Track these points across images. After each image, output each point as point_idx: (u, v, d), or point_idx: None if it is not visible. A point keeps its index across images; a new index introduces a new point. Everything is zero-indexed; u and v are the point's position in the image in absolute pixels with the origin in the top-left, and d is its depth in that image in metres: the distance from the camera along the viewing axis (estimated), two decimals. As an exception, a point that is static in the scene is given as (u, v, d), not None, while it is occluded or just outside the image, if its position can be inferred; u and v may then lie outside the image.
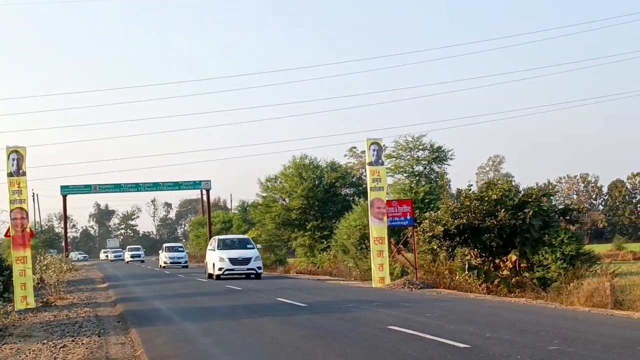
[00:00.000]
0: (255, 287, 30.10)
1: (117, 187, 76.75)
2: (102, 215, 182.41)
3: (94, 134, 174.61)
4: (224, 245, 37.32)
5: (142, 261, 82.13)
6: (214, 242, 38.68)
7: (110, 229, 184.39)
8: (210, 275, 37.11)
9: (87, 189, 75.96)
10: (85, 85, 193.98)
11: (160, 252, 66.23)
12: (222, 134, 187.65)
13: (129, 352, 13.63)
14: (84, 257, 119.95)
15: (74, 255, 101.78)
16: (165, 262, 61.06)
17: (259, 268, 36.78)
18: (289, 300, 22.30)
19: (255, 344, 13.39)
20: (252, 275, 36.29)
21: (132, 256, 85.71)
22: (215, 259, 36.17)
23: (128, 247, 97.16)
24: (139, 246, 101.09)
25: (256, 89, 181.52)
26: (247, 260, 36.00)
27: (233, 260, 35.68)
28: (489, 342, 12.28)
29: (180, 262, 61.54)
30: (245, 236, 43.84)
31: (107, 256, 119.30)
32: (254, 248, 37.85)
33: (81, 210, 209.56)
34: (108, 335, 16.40)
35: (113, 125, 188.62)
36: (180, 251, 64.84)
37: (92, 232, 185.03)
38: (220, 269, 35.58)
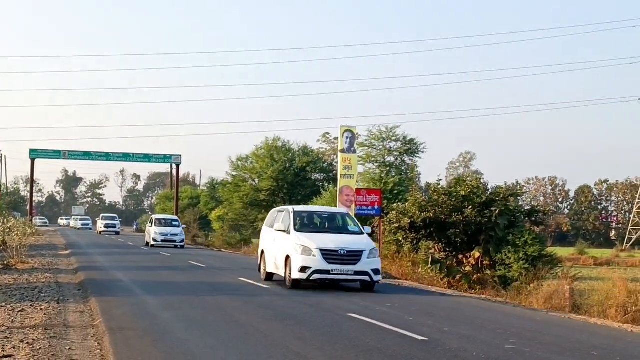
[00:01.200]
0: (219, 265, 30.11)
1: (87, 155, 76.31)
2: (70, 181, 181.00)
3: (66, 100, 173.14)
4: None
5: (117, 233, 72.74)
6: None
7: (76, 196, 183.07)
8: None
9: (57, 154, 75.41)
10: (62, 49, 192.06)
11: (148, 225, 52.57)
12: (196, 110, 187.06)
13: (87, 321, 13.59)
14: (44, 222, 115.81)
15: (35, 220, 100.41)
16: (155, 240, 48.12)
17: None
18: (252, 281, 22.31)
19: (216, 322, 13.41)
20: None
21: (106, 226, 75.17)
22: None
23: (102, 215, 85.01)
24: (115, 215, 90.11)
25: (235, 67, 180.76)
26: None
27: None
28: (446, 336, 12.38)
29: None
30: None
31: (69, 223, 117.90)
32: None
33: (49, 175, 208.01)
34: (67, 302, 16.33)
35: (87, 92, 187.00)
36: (175, 226, 51.07)
37: (58, 198, 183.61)
38: None
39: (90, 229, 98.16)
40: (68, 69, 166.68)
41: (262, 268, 22.90)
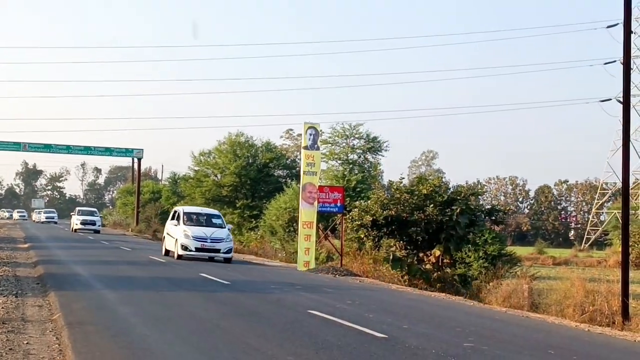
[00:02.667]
0: (179, 261, 29.95)
1: (47, 148, 75.50)
2: (30, 174, 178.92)
3: (26, 92, 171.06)
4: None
5: (97, 231, 61.17)
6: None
7: (36, 189, 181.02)
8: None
9: (16, 146, 74.52)
10: (20, 41, 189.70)
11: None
12: (158, 104, 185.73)
13: (46, 315, 13.46)
14: (22, 216, 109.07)
15: (42, 215, 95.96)
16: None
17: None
18: (213, 276, 22.24)
19: (175, 317, 13.35)
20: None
21: (83, 223, 61.52)
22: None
23: (78, 209, 69.83)
24: (95, 209, 76.27)
25: (199, 62, 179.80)
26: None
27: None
28: (406, 334, 12.45)
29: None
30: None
31: (11, 216, 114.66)
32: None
33: (8, 168, 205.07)
34: (26, 296, 16.14)
35: (47, 85, 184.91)
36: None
37: (17, 190, 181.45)
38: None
39: (56, 222, 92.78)
40: (28, 60, 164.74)
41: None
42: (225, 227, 30.71)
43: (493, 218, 27.90)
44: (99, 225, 62.83)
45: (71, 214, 68.20)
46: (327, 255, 32.01)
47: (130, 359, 9.41)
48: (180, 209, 32.14)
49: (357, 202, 29.72)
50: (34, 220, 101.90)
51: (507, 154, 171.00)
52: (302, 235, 29.18)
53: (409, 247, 26.68)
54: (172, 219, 31.14)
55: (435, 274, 24.92)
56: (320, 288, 20.49)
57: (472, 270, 23.92)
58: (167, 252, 31.18)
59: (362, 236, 27.98)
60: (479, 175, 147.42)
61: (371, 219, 26.44)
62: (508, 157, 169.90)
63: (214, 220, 31.05)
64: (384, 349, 10.87)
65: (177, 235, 29.70)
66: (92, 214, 65.85)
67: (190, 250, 29.04)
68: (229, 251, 29.73)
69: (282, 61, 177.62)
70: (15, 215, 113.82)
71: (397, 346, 11.18)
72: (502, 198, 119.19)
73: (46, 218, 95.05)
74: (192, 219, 30.70)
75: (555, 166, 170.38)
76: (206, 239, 29.22)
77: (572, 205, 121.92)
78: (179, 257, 29.11)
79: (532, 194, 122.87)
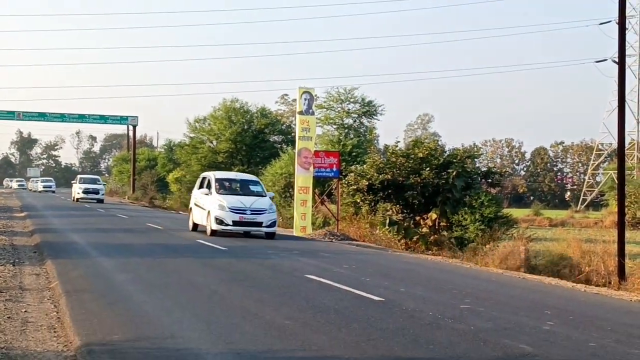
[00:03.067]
0: (176, 226, 29.99)
1: (42, 116, 75.17)
2: (24, 143, 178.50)
3: (22, 60, 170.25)
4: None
5: (101, 200, 57.65)
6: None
7: (31, 157, 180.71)
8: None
9: (10, 115, 74.19)
10: (16, 9, 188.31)
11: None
12: (153, 71, 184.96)
13: (43, 284, 13.48)
14: (49, 186, 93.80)
15: (39, 184, 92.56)
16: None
17: None
18: (210, 243, 22.28)
19: (172, 284, 13.38)
20: None
21: (85, 191, 57.72)
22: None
23: (80, 176, 65.33)
24: (97, 177, 72.04)
25: (193, 27, 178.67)
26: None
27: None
28: (403, 297, 12.49)
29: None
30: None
31: (19, 185, 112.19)
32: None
33: (3, 137, 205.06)
34: (23, 265, 16.17)
35: (41, 52, 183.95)
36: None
37: (12, 159, 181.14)
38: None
39: (54, 192, 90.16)
40: (22, 28, 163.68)
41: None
42: (266, 196, 26.25)
43: (489, 180, 27.92)
44: (102, 194, 59.25)
45: (72, 182, 64.12)
46: (323, 221, 32.06)
47: (128, 326, 9.42)
48: (211, 174, 27.50)
49: (353, 167, 29.70)
50: (30, 190, 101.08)
51: (503, 116, 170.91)
52: (298, 200, 29.19)
53: (405, 211, 26.71)
54: (201, 187, 26.99)
55: (431, 237, 24.98)
56: (317, 253, 20.54)
57: (468, 233, 23.95)
58: (196, 226, 26.92)
59: (359, 201, 27.99)
60: (475, 138, 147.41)
61: (367, 183, 26.45)
62: (504, 119, 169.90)
63: (252, 188, 26.72)
64: (381, 312, 10.91)
65: (209, 207, 25.14)
66: (94, 181, 62.24)
67: (227, 225, 24.50)
68: (272, 224, 25.22)
69: (275, 26, 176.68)
70: (14, 184, 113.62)
71: (394, 309, 11.22)
72: (498, 160, 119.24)
73: (43, 187, 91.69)
74: (226, 187, 26.36)
75: (551, 128, 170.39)
76: (245, 210, 24.71)
77: (568, 166, 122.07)
78: (213, 232, 24.70)
79: (528, 155, 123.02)
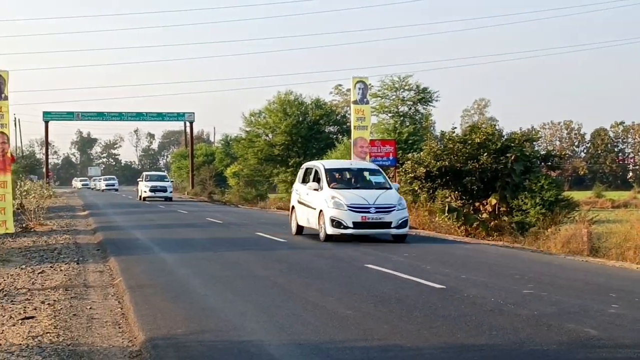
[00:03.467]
0: (236, 221, 30.24)
1: (100, 116, 76.44)
2: (84, 143, 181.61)
3: (80, 61, 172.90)
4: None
5: (169, 198, 53.97)
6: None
7: (92, 157, 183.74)
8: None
9: (70, 115, 75.66)
10: (72, 10, 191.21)
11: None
12: (209, 67, 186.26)
13: (107, 280, 13.70)
14: (112, 184, 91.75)
15: (102, 183, 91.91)
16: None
17: None
18: (269, 235, 22.39)
19: (233, 277, 13.47)
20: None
21: (153, 189, 54.17)
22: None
23: (146, 174, 60.90)
24: (164, 174, 66.46)
25: (246, 22, 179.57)
26: None
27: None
28: (464, 284, 12.40)
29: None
30: None
31: (83, 185, 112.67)
32: None
33: (63, 137, 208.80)
34: (87, 262, 16.45)
35: (99, 53, 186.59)
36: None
37: (73, 159, 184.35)
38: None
39: (117, 190, 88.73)
40: (79, 29, 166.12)
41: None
42: (392, 188, 21.37)
43: (549, 164, 27.54)
44: (170, 192, 54.93)
45: (138, 180, 60.87)
46: (382, 209, 31.93)
47: (191, 319, 9.52)
48: (319, 164, 22.49)
49: (410, 155, 29.53)
50: (92, 188, 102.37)
51: (561, 98, 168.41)
52: (356, 190, 29.08)
53: (464, 197, 26.49)
54: (304, 181, 22.45)
55: (492, 223, 24.73)
56: (376, 242, 20.48)
57: (529, 217, 23.65)
58: (301, 228, 22.25)
59: (416, 188, 27.84)
60: (532, 121, 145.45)
61: (424, 170, 26.29)
62: (562, 101, 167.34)
63: (373, 179, 21.99)
64: (442, 300, 10.84)
65: (320, 205, 20.35)
66: (161, 178, 58.07)
67: (347, 227, 19.72)
68: (403, 224, 20.21)
69: (327, 16, 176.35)
70: (78, 184, 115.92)
71: (456, 296, 11.14)
72: (558, 143, 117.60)
73: (106, 186, 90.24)
74: (338, 179, 21.50)
75: (610, 108, 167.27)
76: (369, 208, 19.83)
77: (629, 146, 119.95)
78: (328, 237, 19.96)
79: (587, 137, 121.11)
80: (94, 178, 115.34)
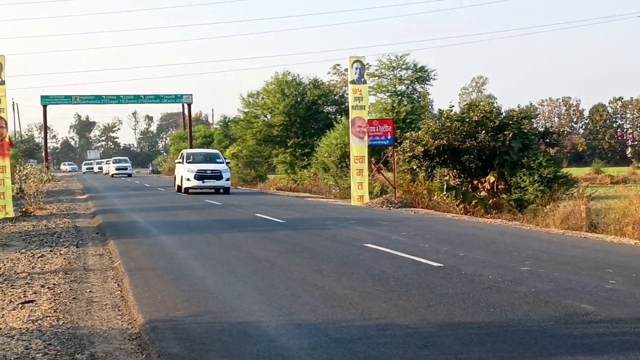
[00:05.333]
0: (235, 202, 30.25)
1: (98, 99, 76.32)
2: (83, 126, 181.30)
3: (75, 44, 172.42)
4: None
5: (227, 189, 37.60)
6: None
7: (91, 140, 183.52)
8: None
9: (68, 99, 75.53)
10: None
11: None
12: (206, 48, 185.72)
13: (107, 264, 13.74)
14: (123, 168, 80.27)
15: (112, 166, 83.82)
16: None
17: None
18: (268, 216, 22.44)
19: (232, 258, 13.51)
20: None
21: (199, 176, 36.66)
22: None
23: (186, 152, 41.94)
24: (217, 151, 44.60)
25: (241, 2, 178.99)
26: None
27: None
28: (462, 262, 12.45)
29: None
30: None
31: (88, 169, 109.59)
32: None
33: (62, 121, 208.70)
34: (86, 246, 16.49)
35: (95, 36, 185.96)
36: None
37: (72, 143, 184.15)
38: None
39: (130, 175, 77.16)
40: (75, 13, 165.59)
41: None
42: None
43: (547, 141, 27.55)
44: (228, 180, 37.79)
45: (176, 162, 41.68)
46: (380, 189, 32.02)
47: (191, 301, 9.56)
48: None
49: (408, 134, 29.53)
50: (95, 173, 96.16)
51: (559, 74, 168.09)
52: (354, 170, 29.19)
53: (462, 175, 26.54)
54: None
55: (490, 201, 24.78)
56: (375, 221, 20.54)
57: (527, 194, 23.70)
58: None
59: (415, 167, 27.88)
60: (531, 98, 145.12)
61: (423, 149, 26.30)
62: (560, 77, 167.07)
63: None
64: (440, 278, 10.89)
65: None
66: (214, 158, 39.53)
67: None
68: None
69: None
70: (67, 167, 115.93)
71: (454, 274, 11.19)
72: (556, 120, 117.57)
73: (117, 169, 77.07)
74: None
75: (608, 83, 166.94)
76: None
77: (628, 122, 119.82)
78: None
79: (586, 113, 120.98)
80: (97, 161, 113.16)
